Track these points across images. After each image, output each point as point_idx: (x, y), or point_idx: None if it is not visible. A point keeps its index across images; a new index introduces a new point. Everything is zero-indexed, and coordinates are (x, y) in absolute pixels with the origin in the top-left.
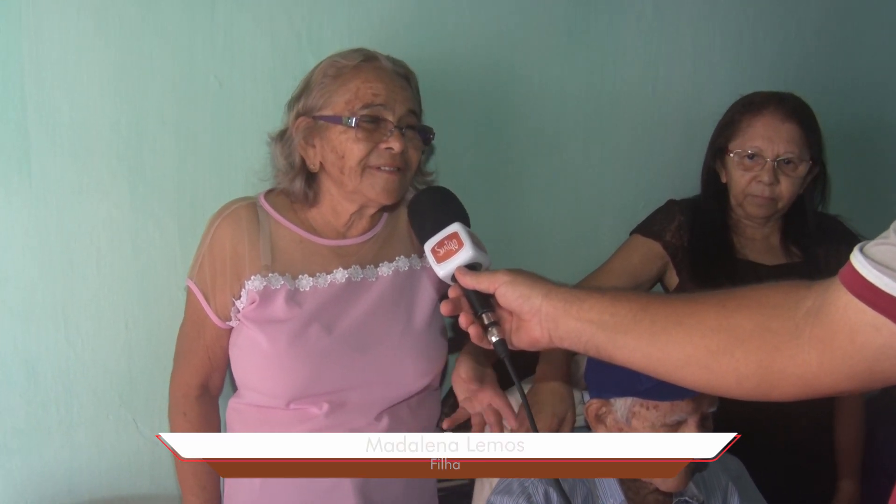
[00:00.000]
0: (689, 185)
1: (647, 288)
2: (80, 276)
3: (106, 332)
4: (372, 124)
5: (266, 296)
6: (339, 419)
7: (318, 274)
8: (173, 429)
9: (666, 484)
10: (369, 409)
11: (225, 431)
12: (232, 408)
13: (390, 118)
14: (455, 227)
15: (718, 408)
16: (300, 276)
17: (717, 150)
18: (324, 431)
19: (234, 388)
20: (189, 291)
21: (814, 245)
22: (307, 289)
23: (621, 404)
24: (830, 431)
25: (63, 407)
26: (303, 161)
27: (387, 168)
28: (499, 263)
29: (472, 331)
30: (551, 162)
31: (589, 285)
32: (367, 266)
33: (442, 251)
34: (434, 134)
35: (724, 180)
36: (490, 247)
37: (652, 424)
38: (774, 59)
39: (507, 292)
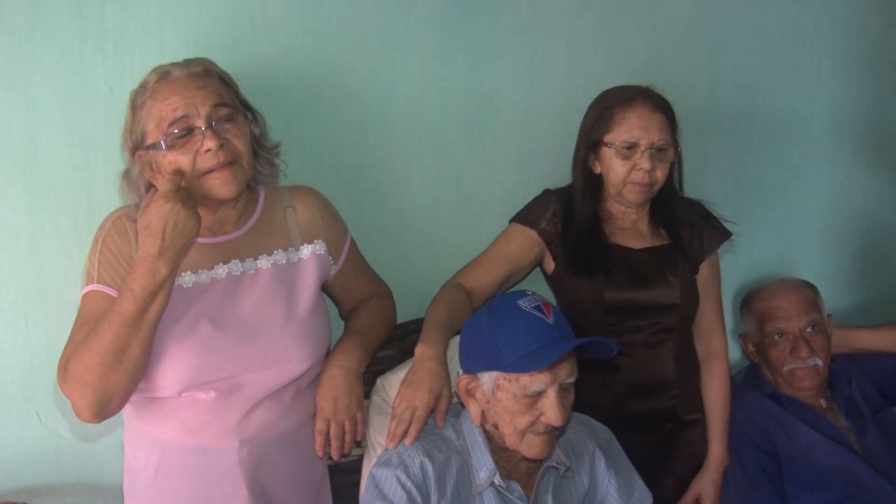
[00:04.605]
0: (565, 175)
1: (525, 272)
2: None
3: (6, 330)
4: (184, 137)
5: None
6: (227, 403)
7: (199, 271)
8: (65, 389)
9: (530, 451)
10: (255, 393)
11: (122, 427)
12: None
13: (199, 123)
14: None
15: (594, 379)
16: (183, 274)
17: (592, 143)
18: (212, 415)
19: None
20: (92, 296)
21: (679, 227)
22: (190, 285)
23: (487, 378)
24: (699, 399)
25: None
26: (150, 187)
27: (217, 168)
28: (385, 251)
29: None
30: (434, 155)
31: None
32: (247, 259)
33: None
34: (252, 108)
35: (597, 171)
36: (376, 236)
37: (514, 396)
38: (645, 55)
39: None
